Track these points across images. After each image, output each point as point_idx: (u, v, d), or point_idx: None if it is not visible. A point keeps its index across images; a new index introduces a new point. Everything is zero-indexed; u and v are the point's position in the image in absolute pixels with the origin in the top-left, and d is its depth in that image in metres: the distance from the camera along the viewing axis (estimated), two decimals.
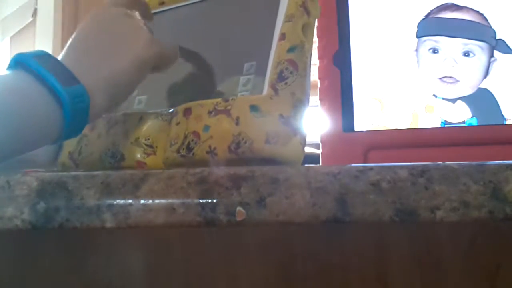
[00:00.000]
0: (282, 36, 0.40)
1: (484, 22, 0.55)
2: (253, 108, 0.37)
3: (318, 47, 0.60)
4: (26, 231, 0.29)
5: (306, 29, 0.41)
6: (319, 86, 0.59)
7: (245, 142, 0.36)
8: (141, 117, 0.43)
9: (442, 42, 0.56)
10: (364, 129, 0.57)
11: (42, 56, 0.36)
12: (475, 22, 0.55)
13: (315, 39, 0.61)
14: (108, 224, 0.29)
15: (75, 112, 0.35)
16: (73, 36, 0.41)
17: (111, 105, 0.39)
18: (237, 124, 0.37)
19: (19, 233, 0.39)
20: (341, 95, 0.58)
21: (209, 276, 0.39)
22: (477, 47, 0.55)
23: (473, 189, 0.27)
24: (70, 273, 0.40)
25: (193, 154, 0.38)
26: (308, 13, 0.41)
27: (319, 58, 0.60)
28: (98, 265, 0.40)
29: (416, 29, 0.57)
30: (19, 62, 0.35)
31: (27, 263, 0.40)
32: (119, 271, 0.40)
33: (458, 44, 0.55)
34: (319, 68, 0.60)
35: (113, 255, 0.40)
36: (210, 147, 0.37)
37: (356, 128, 0.58)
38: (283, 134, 0.37)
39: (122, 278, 0.40)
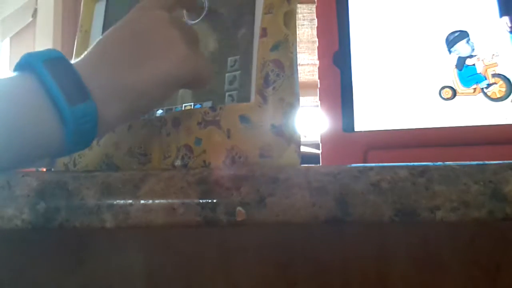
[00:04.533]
0: (264, 32, 0.38)
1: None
2: (243, 118, 0.36)
3: (318, 47, 0.60)
4: (26, 231, 0.29)
5: (288, 18, 0.38)
6: (319, 86, 0.59)
7: (239, 157, 0.36)
8: (129, 126, 0.43)
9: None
10: (364, 129, 0.57)
11: (54, 60, 0.32)
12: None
13: (315, 39, 0.61)
14: (108, 224, 0.29)
15: (79, 132, 0.32)
16: (104, 35, 0.37)
17: (126, 119, 0.36)
18: (228, 137, 0.36)
19: (19, 233, 0.39)
20: (341, 95, 0.58)
21: (209, 276, 0.39)
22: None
23: (473, 189, 0.27)
24: (70, 273, 0.40)
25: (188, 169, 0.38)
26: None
27: (319, 58, 0.60)
28: (98, 265, 0.40)
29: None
30: (28, 64, 0.32)
31: (27, 263, 0.40)
32: (119, 271, 0.40)
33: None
34: (319, 68, 0.60)
35: (113, 255, 0.40)
36: (204, 162, 0.37)
37: (356, 128, 0.58)
38: (276, 146, 0.36)
39: (122, 278, 0.40)
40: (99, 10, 0.50)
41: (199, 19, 0.44)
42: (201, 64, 0.39)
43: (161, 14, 0.38)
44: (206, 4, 0.43)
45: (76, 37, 0.50)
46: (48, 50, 0.33)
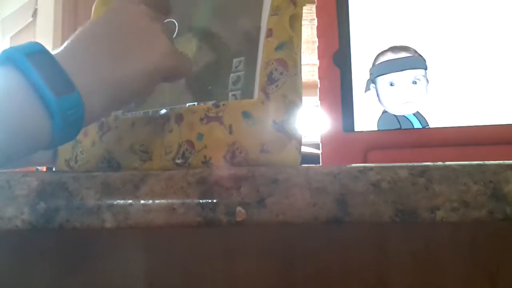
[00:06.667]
0: (269, 33, 0.39)
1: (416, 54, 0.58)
2: (245, 114, 0.37)
3: (318, 47, 0.60)
4: (26, 231, 0.29)
5: (294, 21, 0.39)
6: (319, 86, 0.59)
7: (240, 152, 0.36)
8: (133, 122, 0.43)
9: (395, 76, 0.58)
10: (364, 129, 0.57)
11: (37, 53, 0.32)
12: (415, 56, 0.58)
13: (315, 39, 0.61)
14: (108, 224, 0.29)
15: (66, 123, 0.32)
16: (84, 27, 0.37)
17: (110, 110, 0.37)
18: (230, 132, 0.37)
19: (19, 233, 0.39)
20: (341, 95, 0.58)
21: (209, 276, 0.39)
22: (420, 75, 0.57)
23: (473, 189, 0.27)
24: (70, 273, 0.40)
25: (189, 164, 0.38)
26: (294, 3, 0.39)
27: (319, 58, 0.60)
28: (98, 265, 0.40)
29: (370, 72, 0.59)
30: (10, 59, 0.32)
31: (27, 263, 0.40)
32: (119, 271, 0.40)
33: (408, 75, 0.57)
34: (319, 68, 0.60)
35: (113, 255, 0.40)
36: (205, 157, 0.37)
37: (356, 128, 0.58)
38: (277, 141, 0.36)
39: (122, 278, 0.40)
40: None
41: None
42: (181, 57, 0.40)
43: (142, 8, 0.39)
44: (177, 28, 0.44)
45: None
46: (29, 44, 0.33)
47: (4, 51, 0.32)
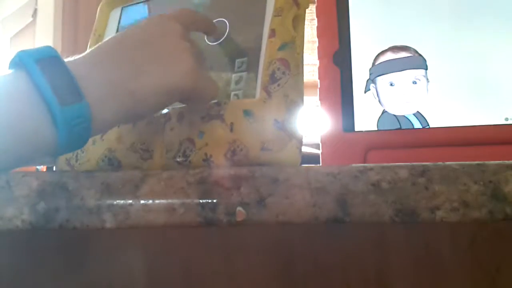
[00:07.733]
0: (272, 33, 0.39)
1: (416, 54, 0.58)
2: (247, 113, 0.37)
3: (318, 47, 0.60)
4: (26, 231, 0.29)
5: (297, 22, 0.40)
6: (319, 86, 0.60)
7: (241, 150, 0.36)
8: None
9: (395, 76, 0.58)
10: (364, 129, 0.57)
11: (48, 59, 0.32)
12: (415, 56, 0.58)
13: (315, 39, 0.61)
14: (108, 224, 0.29)
15: (71, 133, 0.31)
16: (113, 36, 0.37)
17: (121, 122, 0.35)
18: (231, 130, 0.37)
19: (19, 233, 0.39)
20: (341, 95, 0.58)
21: (209, 276, 0.39)
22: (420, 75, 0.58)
23: (473, 189, 0.27)
24: (70, 273, 0.40)
25: (190, 161, 0.38)
26: (297, 4, 0.40)
27: (319, 58, 0.60)
28: (98, 265, 0.40)
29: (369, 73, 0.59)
30: (21, 63, 0.32)
31: (27, 263, 0.40)
32: (119, 271, 0.40)
33: (408, 75, 0.57)
34: (319, 68, 0.60)
35: (113, 255, 0.40)
36: (206, 154, 0.37)
37: (356, 128, 0.58)
38: (278, 140, 0.36)
39: (122, 278, 0.40)
40: (114, 17, 0.51)
41: (219, 41, 0.43)
42: (205, 80, 0.38)
43: (175, 25, 0.38)
44: (228, 27, 0.43)
45: (90, 40, 0.50)
46: (43, 48, 0.33)
47: (16, 55, 0.32)
